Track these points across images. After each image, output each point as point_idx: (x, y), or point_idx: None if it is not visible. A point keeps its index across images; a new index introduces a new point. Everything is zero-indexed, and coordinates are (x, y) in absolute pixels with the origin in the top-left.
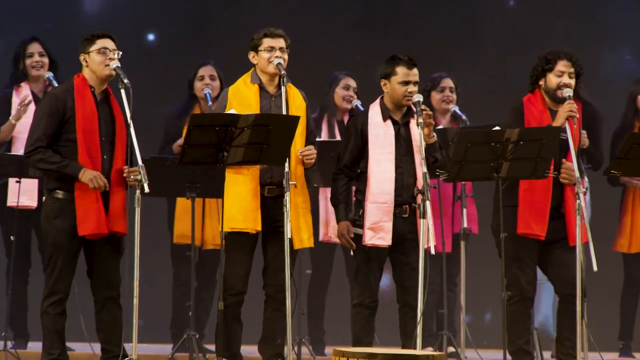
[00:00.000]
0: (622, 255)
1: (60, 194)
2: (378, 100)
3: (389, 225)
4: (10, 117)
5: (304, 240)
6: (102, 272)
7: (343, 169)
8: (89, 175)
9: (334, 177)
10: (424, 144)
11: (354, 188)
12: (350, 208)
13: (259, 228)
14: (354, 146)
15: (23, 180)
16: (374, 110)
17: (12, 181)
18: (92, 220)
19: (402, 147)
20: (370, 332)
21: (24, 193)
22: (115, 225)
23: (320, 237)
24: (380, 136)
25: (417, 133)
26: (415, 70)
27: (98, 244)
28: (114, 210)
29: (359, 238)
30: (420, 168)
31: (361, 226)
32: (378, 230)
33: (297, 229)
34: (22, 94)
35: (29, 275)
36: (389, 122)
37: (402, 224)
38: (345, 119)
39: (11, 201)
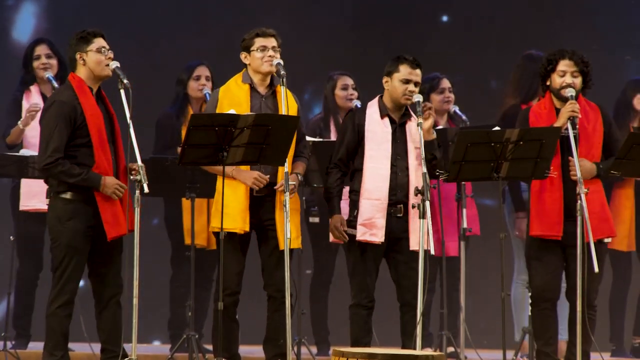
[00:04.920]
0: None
1: (69, 195)
2: (377, 99)
3: (381, 222)
4: (19, 122)
5: (288, 241)
6: (107, 272)
7: (338, 162)
8: (110, 188)
9: (327, 171)
10: (423, 141)
11: (347, 188)
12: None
13: (247, 228)
14: (350, 141)
15: (33, 182)
16: (372, 108)
17: (23, 184)
18: (118, 222)
19: (398, 147)
20: (369, 333)
21: (35, 196)
22: (130, 224)
23: (331, 239)
24: (377, 133)
25: (414, 134)
26: (418, 71)
27: (103, 244)
28: (127, 210)
29: (353, 239)
30: (419, 168)
31: (355, 227)
32: (371, 226)
33: (281, 231)
34: (31, 99)
35: (39, 279)
36: (386, 120)
37: (396, 223)
38: None
39: (24, 205)
